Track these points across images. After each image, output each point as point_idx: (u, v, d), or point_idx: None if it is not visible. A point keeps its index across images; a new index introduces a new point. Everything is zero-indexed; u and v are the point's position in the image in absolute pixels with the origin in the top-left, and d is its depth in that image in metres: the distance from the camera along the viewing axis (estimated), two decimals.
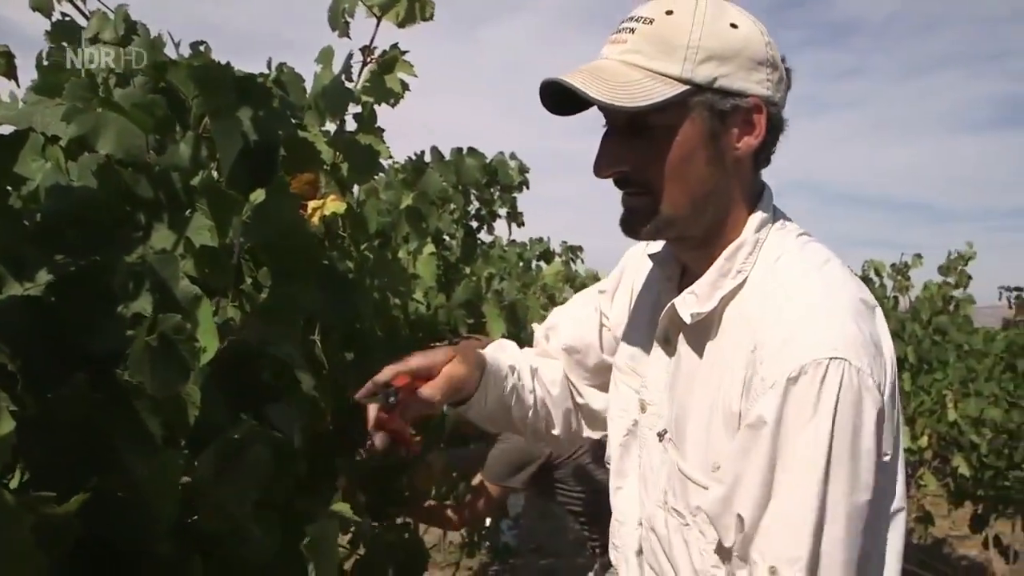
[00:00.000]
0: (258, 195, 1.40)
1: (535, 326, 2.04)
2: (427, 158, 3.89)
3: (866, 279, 9.59)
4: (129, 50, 1.51)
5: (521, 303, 4.13)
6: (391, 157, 2.09)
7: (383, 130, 2.11)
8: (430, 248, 3.61)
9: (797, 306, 1.37)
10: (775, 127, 1.47)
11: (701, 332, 1.48)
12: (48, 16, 1.73)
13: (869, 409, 1.28)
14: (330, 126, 1.98)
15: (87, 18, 1.65)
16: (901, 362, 7.87)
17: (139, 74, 1.46)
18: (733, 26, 1.41)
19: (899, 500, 1.36)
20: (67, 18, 1.77)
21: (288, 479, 1.55)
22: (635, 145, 1.43)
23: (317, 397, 1.56)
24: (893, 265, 9.19)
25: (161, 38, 1.69)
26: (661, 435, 1.54)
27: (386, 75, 2.06)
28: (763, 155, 1.51)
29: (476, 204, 4.22)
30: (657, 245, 1.67)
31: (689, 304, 1.47)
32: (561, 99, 1.44)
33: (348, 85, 1.97)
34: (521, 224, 4.59)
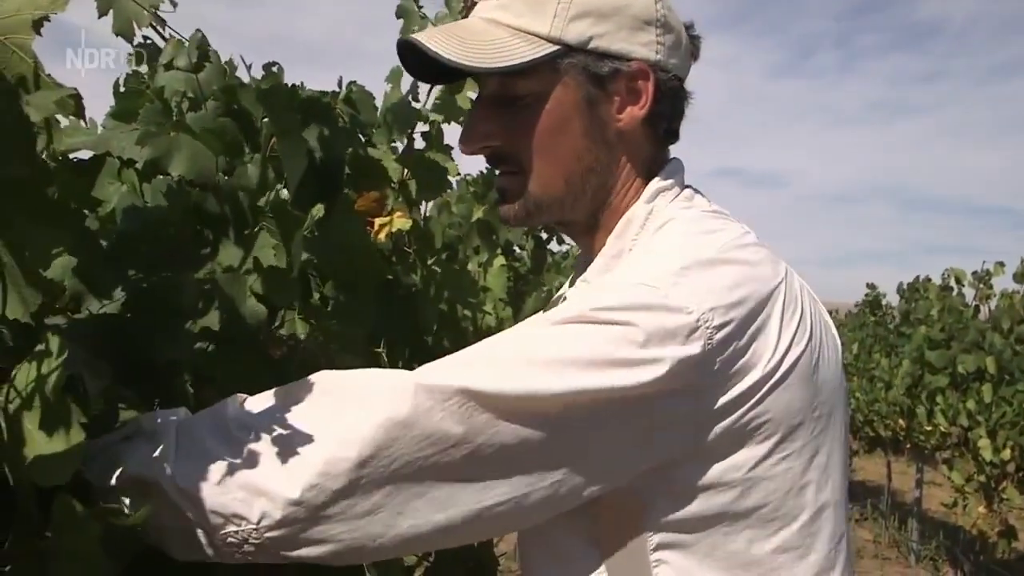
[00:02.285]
0: (318, 210, 1.44)
1: None
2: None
3: (946, 287, 9.45)
4: (201, 76, 1.56)
5: None
6: (459, 174, 2.13)
7: (451, 147, 2.15)
8: (500, 260, 3.65)
9: (637, 261, 1.22)
10: (669, 96, 1.30)
11: None
12: (130, 41, 1.81)
13: (674, 347, 1.06)
14: (398, 144, 2.03)
15: (167, 42, 1.71)
16: (981, 373, 7.73)
17: (211, 98, 1.52)
18: None
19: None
20: (148, 41, 1.84)
21: None
22: (504, 116, 1.28)
23: None
24: (974, 273, 9.04)
25: (233, 62, 1.75)
26: None
27: (456, 94, 2.10)
28: (661, 127, 1.33)
29: None
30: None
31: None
32: (435, 65, 1.26)
33: (416, 104, 2.02)
34: None
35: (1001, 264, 8.83)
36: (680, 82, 1.33)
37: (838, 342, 1.31)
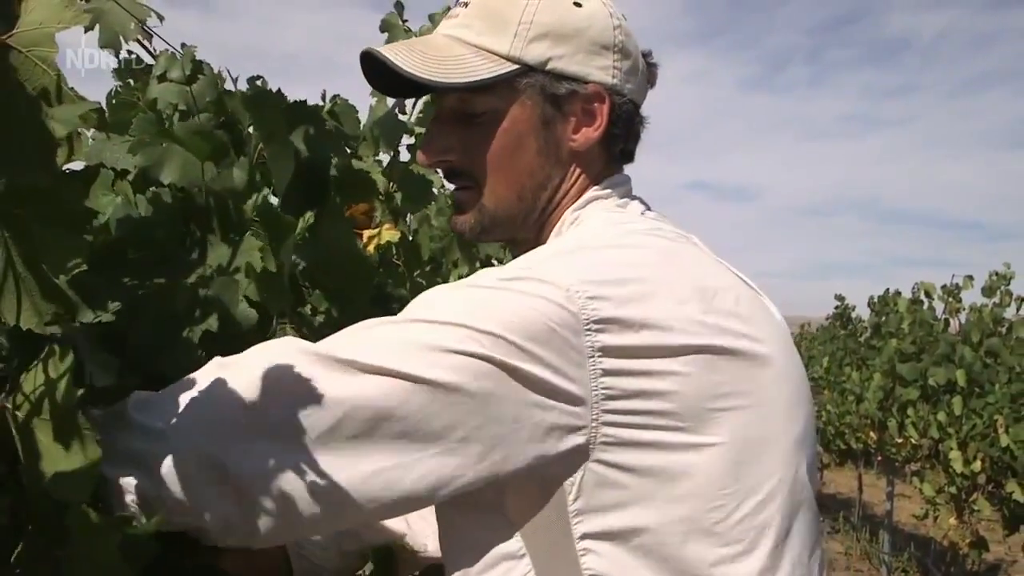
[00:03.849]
0: (309, 217, 1.45)
1: None
2: None
3: (916, 301, 9.54)
4: (194, 88, 1.57)
5: None
6: (443, 186, 2.15)
7: None
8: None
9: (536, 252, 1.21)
10: (624, 119, 1.33)
11: None
12: (116, 55, 1.81)
13: (540, 316, 1.06)
14: (383, 156, 2.05)
15: (153, 56, 1.72)
16: (952, 385, 7.81)
17: (204, 110, 1.53)
18: (577, 5, 1.29)
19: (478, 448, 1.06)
20: (133, 55, 1.85)
21: None
22: (462, 132, 1.30)
23: None
24: (944, 287, 9.13)
25: (220, 74, 1.76)
26: None
27: None
28: (616, 149, 1.35)
29: None
30: None
31: None
32: (394, 78, 1.28)
33: (402, 117, 2.04)
34: None
35: (970, 278, 8.95)
36: (635, 107, 1.36)
37: (791, 345, 1.28)
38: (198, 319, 1.22)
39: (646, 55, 1.38)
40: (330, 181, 1.53)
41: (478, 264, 3.67)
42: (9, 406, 0.87)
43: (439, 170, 1.38)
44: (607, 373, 1.07)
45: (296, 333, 1.53)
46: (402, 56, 1.24)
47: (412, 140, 2.12)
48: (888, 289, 10.82)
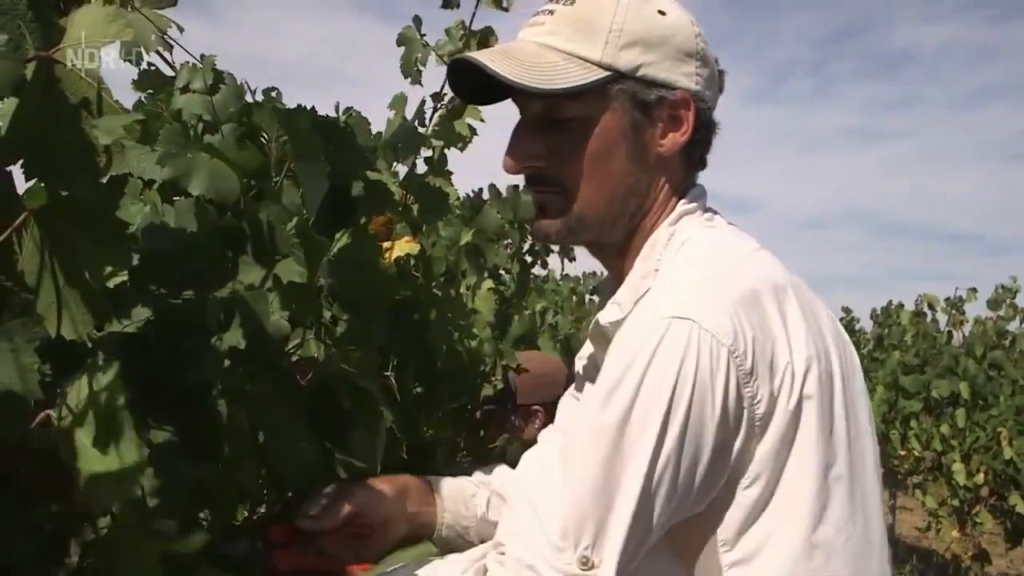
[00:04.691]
0: (343, 237, 1.46)
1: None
2: (485, 195, 3.96)
3: (919, 313, 9.54)
4: (216, 99, 1.58)
5: (576, 337, 4.18)
6: (459, 199, 2.15)
7: (452, 173, 2.18)
8: (488, 283, 3.66)
9: (672, 276, 1.27)
10: (705, 125, 1.36)
11: None
12: (137, 65, 1.82)
13: (721, 375, 1.13)
14: (399, 168, 2.06)
15: (173, 68, 1.73)
16: (955, 398, 7.82)
17: (228, 120, 1.53)
18: (661, 13, 1.32)
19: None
20: (152, 67, 1.85)
21: None
22: (550, 138, 1.32)
23: (395, 429, 1.62)
24: (947, 299, 9.14)
25: (242, 86, 1.77)
26: None
27: (455, 120, 2.13)
28: (695, 155, 1.39)
29: (530, 240, 4.27)
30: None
31: (611, 315, 1.32)
32: (477, 84, 1.33)
33: (420, 129, 2.05)
34: (572, 259, 4.64)
35: (974, 291, 8.96)
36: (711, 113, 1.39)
37: (856, 362, 1.36)
38: (228, 331, 1.23)
39: (716, 62, 1.40)
40: (356, 199, 1.53)
41: (485, 274, 3.68)
42: (55, 415, 0.87)
43: (523, 175, 1.38)
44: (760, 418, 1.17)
45: (319, 343, 1.54)
46: (499, 63, 1.26)
47: (429, 152, 2.12)
48: (891, 301, 10.83)
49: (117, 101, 0.80)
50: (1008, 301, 8.64)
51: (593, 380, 1.29)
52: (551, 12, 1.32)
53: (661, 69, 1.30)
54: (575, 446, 1.17)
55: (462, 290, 3.56)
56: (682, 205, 1.36)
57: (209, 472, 1.19)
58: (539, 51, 1.30)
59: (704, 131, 1.37)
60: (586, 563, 1.12)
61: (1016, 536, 7.47)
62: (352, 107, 2.08)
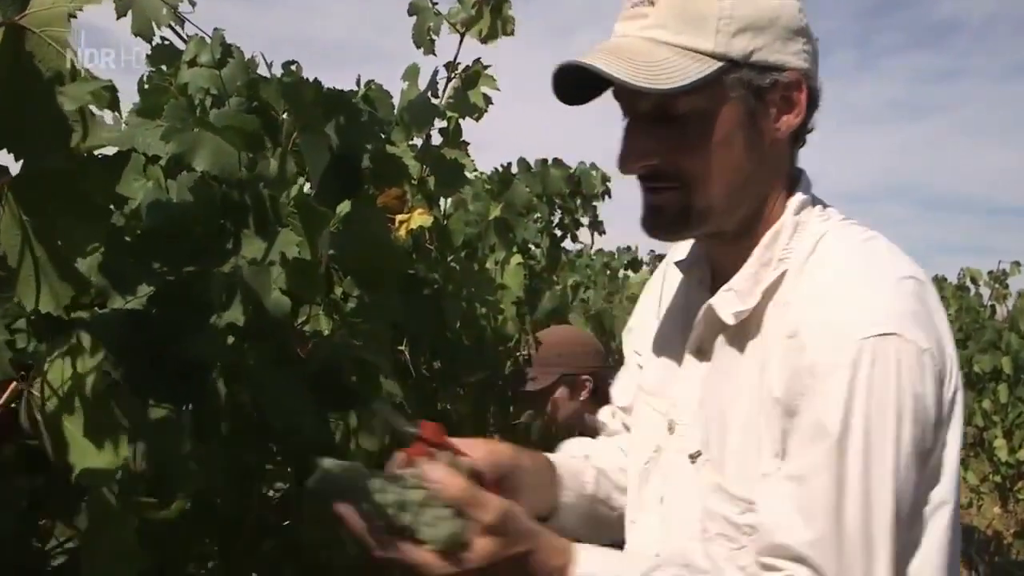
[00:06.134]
0: (345, 207, 1.44)
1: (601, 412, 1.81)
2: (514, 169, 3.94)
3: (962, 287, 9.41)
4: (224, 72, 1.57)
5: (607, 312, 4.15)
6: (476, 170, 2.14)
7: (467, 143, 2.16)
8: (517, 258, 3.64)
9: (837, 284, 1.25)
10: (814, 103, 1.34)
11: (741, 332, 1.32)
12: (149, 40, 1.81)
13: (929, 381, 1.18)
14: (417, 141, 2.04)
15: (185, 42, 1.71)
16: (998, 373, 7.70)
17: (235, 94, 1.52)
18: None
19: (947, 489, 1.23)
20: (167, 42, 1.84)
21: None
22: (664, 134, 1.28)
23: (404, 404, 1.60)
24: (990, 273, 9.00)
25: (254, 59, 1.75)
26: (694, 457, 1.36)
27: (469, 90, 2.10)
28: (801, 135, 1.37)
29: (560, 214, 4.25)
30: (682, 251, 1.53)
31: (729, 303, 1.32)
32: (575, 86, 1.31)
33: (434, 101, 2.02)
34: (602, 233, 4.62)
35: (1017, 264, 8.80)
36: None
37: None
38: (229, 308, 1.21)
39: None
40: (362, 171, 1.52)
41: (515, 249, 3.66)
42: (36, 393, 0.86)
43: (638, 175, 1.34)
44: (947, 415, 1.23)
45: (329, 320, 1.53)
46: (613, 65, 1.22)
47: (444, 124, 2.10)
48: (934, 276, 10.67)
49: (87, 70, 0.78)
50: None
51: (704, 358, 1.38)
52: (652, 3, 1.27)
53: (772, 52, 1.26)
54: (824, 499, 1.18)
55: (491, 264, 3.55)
56: (800, 196, 1.35)
57: (209, 450, 1.18)
58: (649, 47, 1.25)
59: (812, 109, 1.34)
60: None
61: None
62: (373, 80, 2.06)
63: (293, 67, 1.86)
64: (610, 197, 4.51)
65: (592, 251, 5.84)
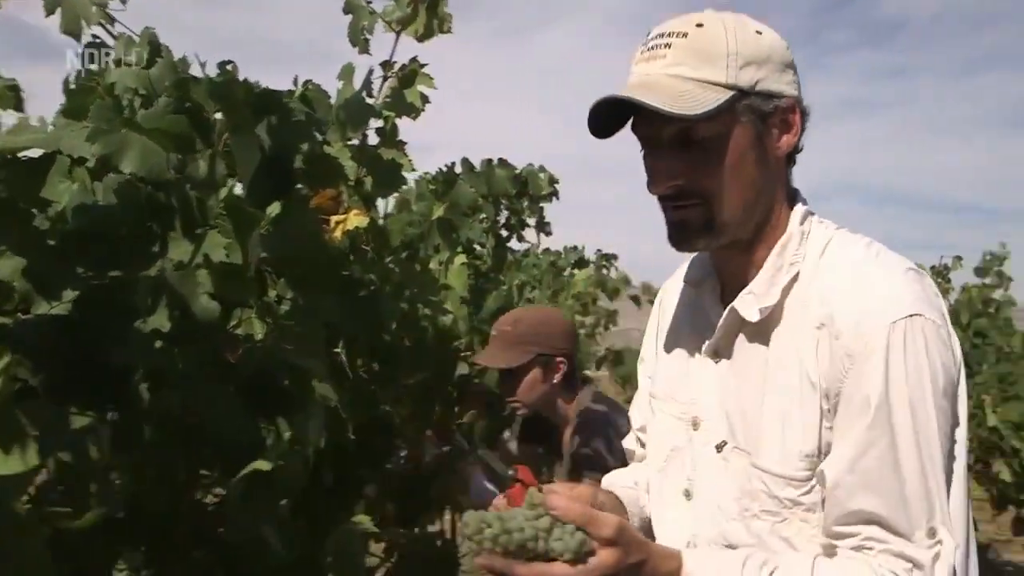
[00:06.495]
0: (275, 208, 1.42)
1: (625, 441, 1.98)
2: (458, 169, 3.92)
3: None
4: (152, 72, 1.54)
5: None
6: (414, 170, 2.12)
7: (405, 143, 2.15)
8: (461, 258, 3.63)
9: (858, 279, 1.44)
10: (804, 124, 1.53)
11: (762, 330, 1.51)
12: (78, 39, 1.78)
13: (947, 351, 1.40)
14: (357, 142, 2.02)
15: (116, 39, 1.68)
16: None
17: (163, 94, 1.49)
18: (759, 33, 1.48)
19: (962, 440, 1.43)
20: (97, 40, 1.81)
21: (314, 490, 1.58)
22: (686, 157, 1.46)
23: (338, 408, 1.58)
24: (933, 267, 9.11)
25: (186, 59, 1.72)
26: (720, 447, 1.54)
27: (406, 89, 2.09)
28: (795, 153, 1.56)
29: (506, 214, 4.24)
30: (676, 279, 1.77)
31: (750, 304, 1.51)
32: (605, 119, 1.49)
33: (370, 100, 2.00)
34: (549, 233, 4.61)
35: (959, 258, 8.91)
36: None
37: None
38: (154, 312, 1.19)
39: None
40: (295, 171, 1.50)
41: (460, 249, 3.65)
42: None
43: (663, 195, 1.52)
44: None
45: (263, 324, 1.51)
46: (650, 97, 1.40)
47: (381, 123, 2.08)
48: None
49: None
50: (995, 269, 8.60)
51: (725, 356, 1.57)
52: (668, 45, 1.46)
53: (772, 82, 1.47)
54: (883, 463, 1.36)
55: (435, 265, 3.53)
56: (802, 207, 1.56)
57: (136, 457, 1.16)
58: (673, 82, 1.43)
59: (803, 130, 1.54)
60: (934, 534, 1.35)
61: (1002, 503, 7.47)
62: (311, 80, 2.04)
63: (229, 66, 1.84)
64: (557, 198, 4.51)
65: (539, 251, 5.84)
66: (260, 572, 1.37)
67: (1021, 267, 8.80)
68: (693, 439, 1.60)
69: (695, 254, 1.70)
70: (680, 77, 1.44)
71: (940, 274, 9.06)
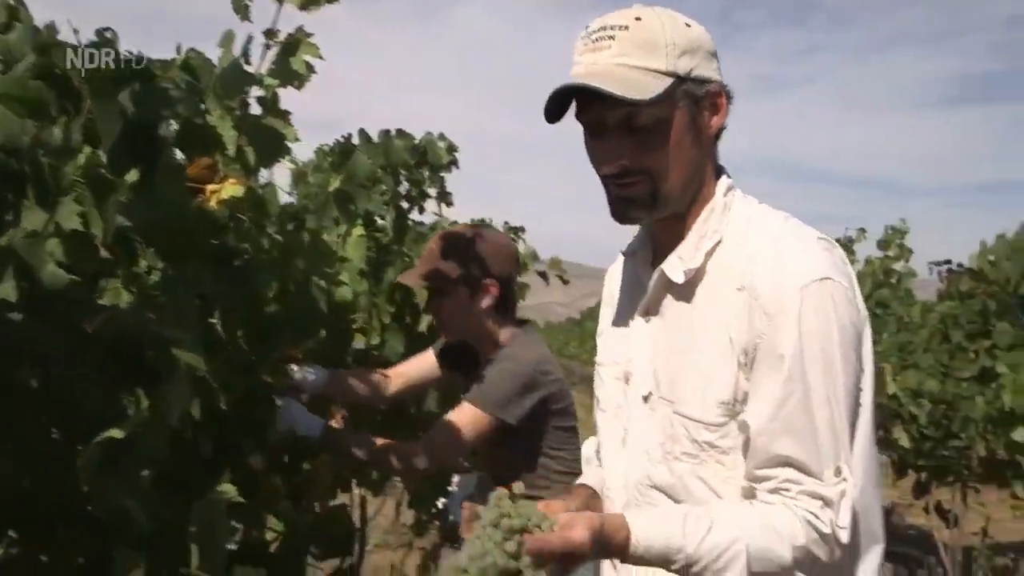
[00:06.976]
0: (133, 175, 1.40)
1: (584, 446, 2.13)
2: (355, 140, 3.89)
3: None
4: (12, 37, 1.49)
5: None
6: (297, 139, 2.09)
7: (289, 113, 2.11)
8: (359, 230, 3.60)
9: (776, 246, 1.61)
10: (728, 106, 1.70)
11: (687, 290, 1.67)
12: None
13: (854, 312, 1.58)
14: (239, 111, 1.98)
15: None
16: None
17: (23, 60, 1.45)
18: (687, 25, 1.64)
19: (867, 394, 1.61)
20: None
21: (187, 460, 1.57)
22: (631, 139, 1.62)
23: (208, 378, 1.56)
24: (838, 240, 9.25)
25: (54, 25, 1.67)
26: (646, 397, 1.72)
27: (290, 57, 2.05)
28: (720, 132, 1.73)
29: (406, 185, 4.21)
30: (617, 263, 1.94)
31: (677, 266, 1.67)
32: (551, 104, 1.63)
33: (250, 68, 1.97)
34: (450, 204, 4.59)
35: (863, 231, 9.12)
36: None
37: None
38: (1, 282, 1.16)
39: None
40: (160, 139, 1.48)
41: (359, 221, 3.62)
42: None
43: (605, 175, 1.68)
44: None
45: (127, 292, 1.48)
46: (610, 85, 1.55)
47: (262, 92, 2.05)
48: None
49: None
50: (897, 242, 8.81)
51: (650, 312, 1.74)
52: (612, 37, 1.61)
53: (703, 68, 1.64)
54: (796, 410, 1.54)
55: (334, 237, 3.50)
56: (726, 180, 1.73)
57: None
58: (622, 71, 1.59)
59: (728, 111, 1.71)
60: (839, 473, 1.52)
61: (903, 468, 7.68)
62: (193, 48, 2.00)
63: (107, 33, 1.79)
64: (457, 167, 4.49)
65: (447, 223, 5.83)
66: (126, 545, 1.35)
67: (921, 240, 8.99)
68: (627, 393, 1.78)
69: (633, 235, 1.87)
70: (626, 66, 1.59)
71: (845, 246, 9.23)
